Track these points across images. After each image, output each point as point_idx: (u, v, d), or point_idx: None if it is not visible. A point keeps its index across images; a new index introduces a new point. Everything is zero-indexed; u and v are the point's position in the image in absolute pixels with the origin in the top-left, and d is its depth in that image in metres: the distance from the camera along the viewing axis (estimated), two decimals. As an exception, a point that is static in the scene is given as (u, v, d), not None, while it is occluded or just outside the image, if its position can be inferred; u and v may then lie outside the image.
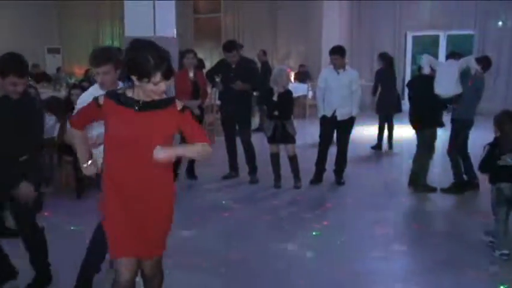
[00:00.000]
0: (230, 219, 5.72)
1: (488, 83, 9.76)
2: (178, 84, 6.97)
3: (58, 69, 15.56)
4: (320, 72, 7.72)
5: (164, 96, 2.78)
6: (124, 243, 2.80)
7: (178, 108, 2.79)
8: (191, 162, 7.26)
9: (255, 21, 16.03)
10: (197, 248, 4.82)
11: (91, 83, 6.49)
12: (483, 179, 5.15)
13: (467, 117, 6.47)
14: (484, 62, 6.76)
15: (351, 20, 15.34)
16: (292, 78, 12.91)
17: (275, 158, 6.89)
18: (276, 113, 6.61)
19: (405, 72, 14.87)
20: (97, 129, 3.30)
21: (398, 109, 9.41)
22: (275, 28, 15.90)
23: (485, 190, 4.99)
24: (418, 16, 14.61)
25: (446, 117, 6.67)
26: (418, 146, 6.70)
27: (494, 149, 4.71)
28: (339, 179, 7.13)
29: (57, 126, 6.45)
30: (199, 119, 7.32)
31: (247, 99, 7.26)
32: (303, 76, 14.36)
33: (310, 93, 13.50)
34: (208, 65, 12.08)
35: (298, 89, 12.55)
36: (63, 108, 6.49)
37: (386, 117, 9.37)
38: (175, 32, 10.19)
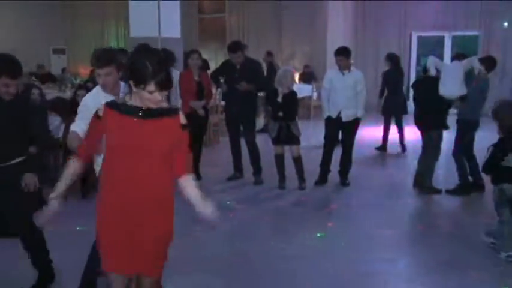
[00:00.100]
0: (234, 220, 5.71)
1: (494, 83, 9.73)
2: (183, 84, 6.99)
3: (63, 70, 15.62)
4: (325, 73, 7.71)
5: (165, 104, 2.74)
6: (117, 258, 2.73)
7: (181, 123, 2.74)
8: (196, 163, 7.26)
9: (260, 22, 16.03)
10: (201, 249, 4.82)
11: (95, 83, 6.49)
12: (488, 180, 5.15)
13: (472, 118, 6.45)
14: (488, 62, 6.74)
15: (356, 21, 15.32)
16: (296, 79, 12.90)
17: (280, 159, 6.89)
18: (281, 114, 6.61)
19: (410, 73, 14.84)
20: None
21: (405, 111, 9.36)
22: (280, 28, 15.90)
23: (491, 191, 4.97)
24: (423, 17, 14.57)
25: (452, 119, 6.65)
26: (424, 147, 6.69)
27: (498, 150, 4.70)
28: (344, 180, 7.11)
29: (63, 126, 6.46)
30: (204, 120, 7.34)
31: (252, 100, 7.26)
32: (307, 77, 14.34)
33: (315, 94, 13.48)
34: (213, 65, 12.09)
35: (302, 89, 12.54)
36: (68, 108, 6.50)
37: (392, 118, 9.33)
38: (180, 33, 10.17)
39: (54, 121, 6.54)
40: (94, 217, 2.80)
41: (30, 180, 3.64)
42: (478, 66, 6.39)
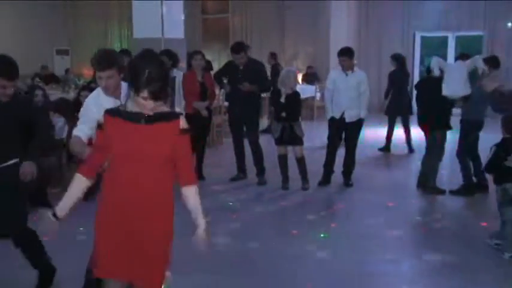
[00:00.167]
0: (237, 221, 5.71)
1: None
2: (187, 85, 6.99)
3: (67, 71, 15.63)
4: (328, 73, 7.70)
5: (166, 108, 2.74)
6: (113, 263, 2.71)
7: (180, 127, 2.71)
8: (199, 163, 7.26)
9: (263, 22, 16.03)
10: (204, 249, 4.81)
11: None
12: (492, 181, 5.15)
13: (476, 119, 6.43)
14: (492, 62, 6.72)
15: (359, 21, 15.29)
16: (299, 80, 12.89)
17: (283, 160, 6.88)
18: (284, 114, 6.60)
19: (413, 74, 14.79)
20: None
21: (410, 111, 9.33)
22: (283, 29, 15.89)
23: (495, 192, 4.97)
24: (427, 17, 14.55)
25: (455, 119, 6.64)
26: (428, 147, 6.67)
27: (501, 150, 4.69)
28: (347, 181, 7.10)
29: (66, 127, 6.47)
30: (207, 121, 7.34)
31: (255, 101, 7.26)
32: (310, 77, 14.33)
33: (318, 95, 13.47)
34: (216, 66, 12.09)
35: (306, 90, 12.52)
36: (72, 109, 6.51)
37: (396, 119, 9.30)
38: (183, 33, 10.19)
39: (58, 122, 6.55)
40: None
41: (28, 168, 3.58)
42: (482, 66, 6.37)
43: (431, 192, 6.60)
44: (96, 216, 2.79)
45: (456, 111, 6.70)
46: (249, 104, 7.08)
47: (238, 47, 7.04)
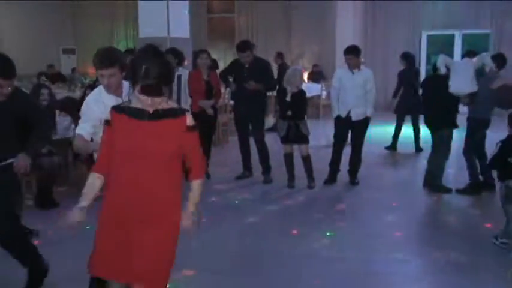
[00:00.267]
0: (243, 219, 5.71)
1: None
2: (192, 84, 7.00)
3: (73, 70, 15.71)
4: (334, 72, 7.69)
5: (173, 105, 2.73)
6: (110, 264, 2.69)
7: (187, 124, 2.70)
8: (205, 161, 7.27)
9: (269, 21, 16.02)
10: (210, 248, 4.82)
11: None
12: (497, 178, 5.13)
13: (483, 117, 6.40)
14: (499, 60, 6.69)
15: (365, 20, 15.27)
16: (305, 78, 12.88)
17: (289, 158, 6.87)
18: (290, 113, 6.59)
19: (420, 72, 14.75)
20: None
21: (419, 110, 9.27)
22: (289, 28, 15.88)
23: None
24: (433, 15, 14.51)
25: (462, 117, 6.61)
26: (434, 146, 6.65)
27: (506, 146, 4.67)
28: (353, 179, 7.09)
29: (72, 126, 6.49)
30: (213, 119, 7.34)
31: (261, 99, 7.25)
32: (316, 76, 14.31)
33: (324, 93, 13.46)
34: (222, 65, 12.09)
35: (311, 89, 12.52)
36: (78, 108, 6.50)
37: (405, 118, 9.26)
38: (189, 32, 10.19)
39: (64, 121, 6.57)
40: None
41: (22, 161, 3.56)
42: (489, 64, 6.34)
43: (437, 190, 6.57)
44: (98, 215, 2.77)
45: (463, 110, 6.67)
46: (255, 103, 7.07)
47: (244, 46, 7.04)
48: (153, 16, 9.62)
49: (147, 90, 2.54)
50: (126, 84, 3.35)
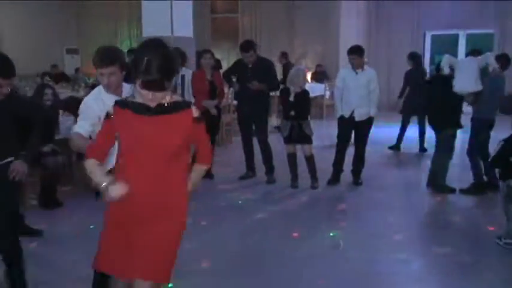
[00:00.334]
0: (246, 219, 5.71)
1: (510, 81, 9.60)
2: (196, 84, 7.01)
3: (76, 70, 15.74)
4: (337, 72, 7.68)
5: (177, 98, 2.70)
6: (116, 258, 2.68)
7: (194, 116, 2.67)
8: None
9: (273, 21, 16.02)
10: (213, 248, 4.82)
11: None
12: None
13: (487, 117, 6.38)
14: (503, 60, 6.67)
15: (369, 20, 15.25)
16: (309, 78, 12.87)
17: (292, 158, 6.87)
18: (293, 113, 6.59)
19: (424, 72, 14.73)
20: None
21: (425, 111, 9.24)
22: (292, 28, 15.88)
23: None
24: (437, 15, 14.47)
25: (466, 117, 6.60)
26: (437, 146, 6.63)
27: (508, 145, 4.66)
28: (357, 180, 7.08)
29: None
30: (217, 119, 7.35)
31: (264, 99, 7.25)
32: (320, 76, 14.30)
33: (328, 93, 13.45)
34: (225, 65, 12.11)
35: (315, 89, 12.51)
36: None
37: (410, 118, 9.23)
38: (192, 32, 10.20)
39: (67, 121, 6.58)
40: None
41: (19, 167, 3.54)
42: (493, 64, 6.32)
43: (441, 190, 6.56)
44: (106, 212, 2.75)
45: (467, 110, 6.66)
46: (258, 103, 7.07)
47: (248, 45, 7.03)
48: (156, 16, 9.62)
49: (148, 85, 2.48)
50: (126, 86, 3.34)
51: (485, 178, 6.57)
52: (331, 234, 5.22)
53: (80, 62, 17.34)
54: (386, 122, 10.33)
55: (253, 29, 16.35)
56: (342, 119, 6.91)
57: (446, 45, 14.92)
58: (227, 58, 15.64)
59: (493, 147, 6.25)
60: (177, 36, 9.51)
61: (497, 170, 5.16)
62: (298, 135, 6.64)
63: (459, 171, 7.30)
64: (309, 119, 6.74)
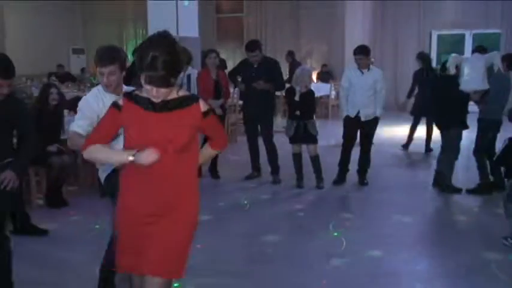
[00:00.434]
0: (252, 220, 5.71)
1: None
2: (201, 83, 7.01)
3: (82, 70, 15.77)
4: (343, 72, 7.66)
5: (185, 93, 2.66)
6: (132, 256, 2.66)
7: (202, 110, 2.62)
8: (214, 162, 7.27)
9: (278, 21, 16.01)
10: (218, 248, 4.82)
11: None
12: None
13: (494, 117, 6.35)
14: (509, 60, 6.63)
15: (375, 20, 15.20)
16: (314, 78, 12.85)
17: (297, 158, 6.86)
18: (298, 113, 6.58)
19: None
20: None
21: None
22: (298, 28, 15.86)
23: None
24: (443, 15, 14.42)
25: (473, 118, 6.56)
26: (443, 146, 6.61)
27: None
28: (362, 180, 7.07)
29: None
30: (222, 119, 7.34)
31: (269, 99, 7.24)
32: (325, 76, 14.28)
33: (333, 93, 13.43)
34: (230, 65, 12.10)
35: (320, 88, 12.49)
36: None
37: (421, 119, 9.19)
38: (198, 32, 10.22)
39: (73, 121, 6.58)
40: (111, 216, 2.78)
41: (9, 176, 3.46)
42: (498, 64, 6.29)
43: (447, 190, 6.54)
44: (117, 211, 2.72)
45: (474, 109, 6.61)
46: (264, 103, 7.06)
47: (253, 45, 7.03)
48: (162, 16, 9.65)
49: (152, 80, 2.43)
50: (127, 89, 3.32)
51: (491, 178, 6.54)
52: (336, 234, 5.20)
53: (86, 62, 17.38)
54: (392, 122, 10.30)
55: (258, 29, 16.34)
56: (347, 119, 6.89)
57: (452, 45, 14.87)
58: (232, 58, 15.63)
59: (499, 147, 6.27)
60: (182, 36, 9.52)
61: (502, 169, 5.14)
62: (304, 135, 6.63)
63: (466, 171, 7.27)
64: (314, 118, 6.73)
